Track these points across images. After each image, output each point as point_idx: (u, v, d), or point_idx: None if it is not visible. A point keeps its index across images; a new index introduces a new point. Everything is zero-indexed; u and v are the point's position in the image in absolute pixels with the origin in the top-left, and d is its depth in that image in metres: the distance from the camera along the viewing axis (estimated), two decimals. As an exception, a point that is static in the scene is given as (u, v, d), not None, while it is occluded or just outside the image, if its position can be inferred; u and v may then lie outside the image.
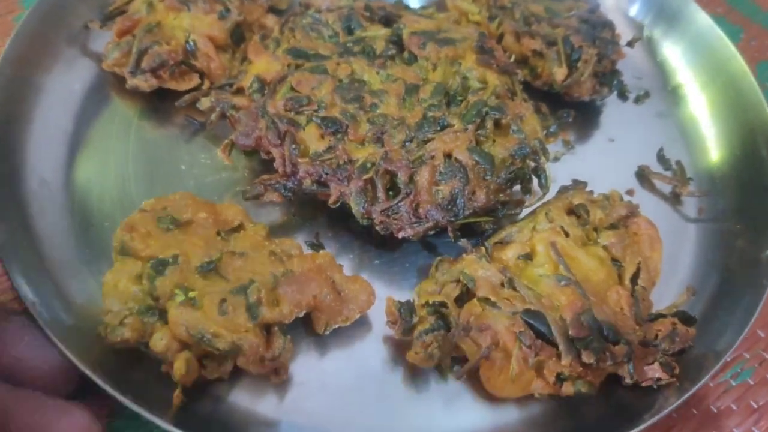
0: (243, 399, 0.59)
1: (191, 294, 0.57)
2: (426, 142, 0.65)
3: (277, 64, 0.71)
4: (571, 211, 0.67)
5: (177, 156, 0.72)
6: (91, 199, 0.68)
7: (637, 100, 0.84)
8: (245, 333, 0.56)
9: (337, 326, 0.60)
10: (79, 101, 0.74)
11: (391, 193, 0.64)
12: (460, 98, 0.69)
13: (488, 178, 0.64)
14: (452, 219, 0.63)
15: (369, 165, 0.64)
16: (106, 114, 0.74)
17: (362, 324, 0.63)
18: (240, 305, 0.57)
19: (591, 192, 0.69)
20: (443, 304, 0.59)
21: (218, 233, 0.61)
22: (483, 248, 0.63)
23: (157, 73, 0.72)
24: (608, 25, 0.81)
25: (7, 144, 0.68)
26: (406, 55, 0.72)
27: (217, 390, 0.59)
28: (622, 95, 0.83)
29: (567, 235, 0.64)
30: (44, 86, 0.73)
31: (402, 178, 0.63)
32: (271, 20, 0.79)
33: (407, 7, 0.80)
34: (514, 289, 0.59)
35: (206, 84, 0.74)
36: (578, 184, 0.70)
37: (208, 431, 0.56)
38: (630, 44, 0.84)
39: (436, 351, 0.58)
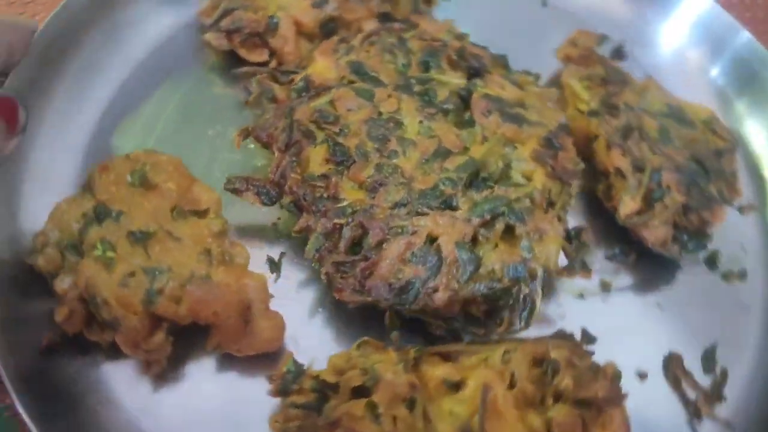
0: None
1: (109, 254, 0.56)
2: (419, 214, 0.58)
3: (334, 72, 0.67)
4: (539, 363, 0.56)
5: (212, 120, 0.72)
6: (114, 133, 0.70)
7: (726, 276, 0.68)
8: (132, 314, 0.54)
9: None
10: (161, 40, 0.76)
11: (356, 249, 0.58)
12: (489, 184, 0.60)
13: (461, 282, 0.55)
14: (398, 306, 0.56)
15: (349, 211, 0.58)
16: (173, 60, 0.75)
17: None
18: (142, 286, 0.55)
19: (585, 353, 0.58)
20: (333, 387, 0.53)
21: (173, 209, 0.60)
22: (411, 351, 0.55)
23: (230, 36, 0.72)
24: (726, 178, 0.66)
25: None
26: (467, 116, 0.65)
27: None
28: (712, 263, 0.68)
29: (512, 386, 0.53)
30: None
31: (370, 240, 0.57)
32: (370, 25, 0.75)
33: (506, 66, 0.71)
34: (411, 411, 0.51)
35: (273, 63, 0.73)
36: (565, 338, 0.58)
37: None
38: (742, 210, 0.68)
39: (294, 430, 0.52)
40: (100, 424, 0.55)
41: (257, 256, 0.62)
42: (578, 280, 0.63)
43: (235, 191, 0.62)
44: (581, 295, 0.65)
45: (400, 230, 0.57)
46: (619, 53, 0.82)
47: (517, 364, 0.55)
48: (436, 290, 0.55)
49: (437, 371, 0.54)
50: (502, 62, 0.71)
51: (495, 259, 0.57)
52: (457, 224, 0.57)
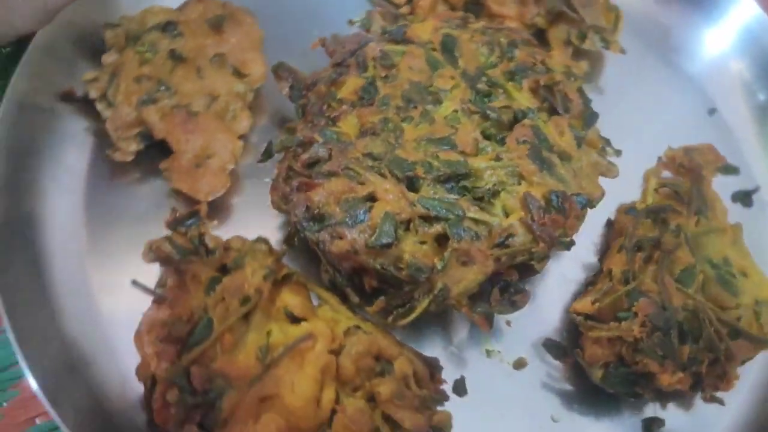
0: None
1: (148, 55, 0.65)
2: (380, 174, 0.58)
3: (429, 35, 0.67)
4: (377, 358, 0.54)
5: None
6: None
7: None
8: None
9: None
10: None
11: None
12: (464, 193, 0.58)
13: (366, 246, 0.55)
14: (302, 231, 0.58)
15: (332, 137, 0.60)
16: None
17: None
18: (151, 90, 0.63)
19: (433, 387, 0.54)
20: (208, 250, 0.56)
21: (216, 55, 0.67)
22: (285, 269, 0.56)
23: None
24: (721, 371, 0.56)
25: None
26: (504, 134, 0.62)
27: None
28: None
29: (336, 353, 0.53)
30: None
31: (325, 167, 0.58)
32: (510, 23, 0.74)
33: (589, 123, 0.66)
34: (240, 306, 0.53)
35: (405, 9, 0.76)
36: (427, 361, 0.55)
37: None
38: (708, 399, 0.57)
39: (156, 256, 0.56)
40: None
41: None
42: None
43: (277, 74, 0.68)
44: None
45: (353, 174, 0.58)
46: (744, 197, 0.72)
47: (355, 342, 0.54)
48: (340, 237, 0.56)
49: (289, 298, 0.55)
50: (588, 118, 0.67)
51: (411, 249, 0.56)
52: (401, 201, 0.57)
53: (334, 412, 0.52)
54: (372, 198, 0.57)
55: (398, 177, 0.58)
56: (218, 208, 0.65)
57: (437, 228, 0.56)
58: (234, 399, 0.50)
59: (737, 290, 0.59)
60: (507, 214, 0.58)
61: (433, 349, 0.61)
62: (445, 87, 0.64)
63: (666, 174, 0.69)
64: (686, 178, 0.66)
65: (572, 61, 0.72)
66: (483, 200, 0.59)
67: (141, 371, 0.53)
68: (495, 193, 0.59)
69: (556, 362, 0.61)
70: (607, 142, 0.67)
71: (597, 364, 0.57)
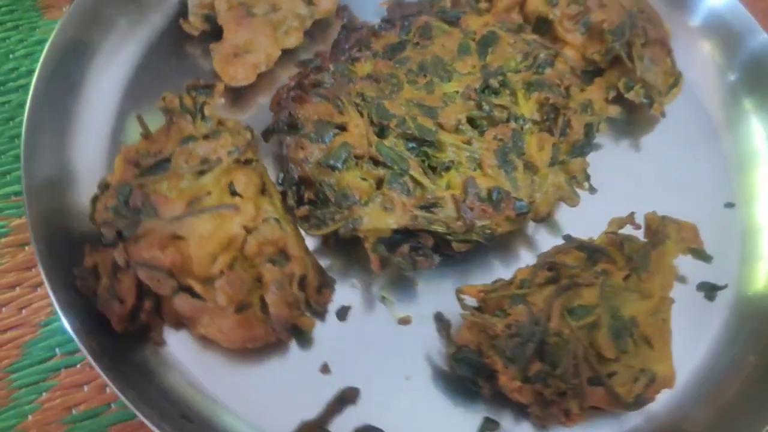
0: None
1: None
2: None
3: (478, 25, 0.74)
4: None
5: None
6: None
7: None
8: None
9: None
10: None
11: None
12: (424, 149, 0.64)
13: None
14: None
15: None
16: None
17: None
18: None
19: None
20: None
21: None
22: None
23: None
24: None
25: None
26: (484, 126, 0.67)
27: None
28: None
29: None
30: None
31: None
32: (567, 52, 0.78)
33: (580, 153, 0.69)
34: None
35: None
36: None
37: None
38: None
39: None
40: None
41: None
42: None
43: (338, 12, 0.77)
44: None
45: (339, 104, 0.66)
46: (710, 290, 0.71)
47: (268, 229, 0.62)
48: (302, 147, 0.64)
49: (240, 176, 0.65)
50: (578, 148, 0.69)
51: (350, 180, 0.63)
52: (363, 139, 0.64)
53: (222, 273, 0.61)
54: (342, 127, 0.65)
55: (372, 121, 0.65)
56: (238, 98, 0.75)
57: (380, 172, 0.63)
58: (153, 225, 0.60)
59: (627, 349, 0.59)
60: (447, 189, 0.63)
61: (345, 274, 0.67)
62: (461, 71, 0.70)
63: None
64: (646, 239, 0.67)
65: (604, 101, 0.74)
66: (435, 170, 0.64)
67: (105, 179, 0.64)
68: (447, 168, 0.64)
69: (435, 334, 0.64)
70: (587, 176, 0.69)
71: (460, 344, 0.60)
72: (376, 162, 0.63)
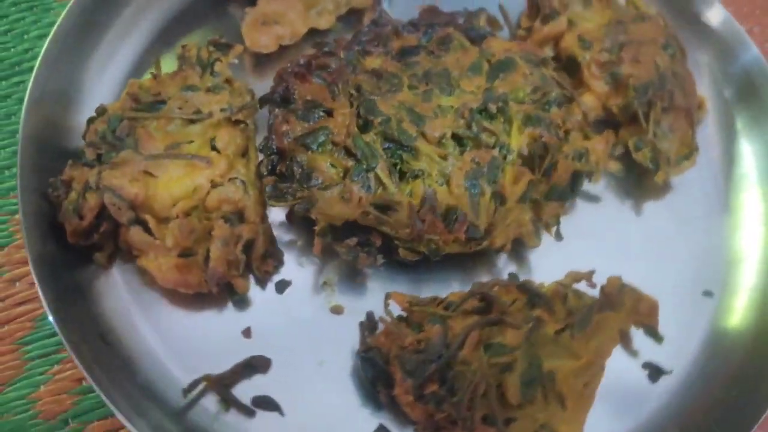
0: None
1: None
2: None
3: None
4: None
5: None
6: None
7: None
8: None
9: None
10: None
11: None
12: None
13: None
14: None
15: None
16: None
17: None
18: None
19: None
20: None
21: None
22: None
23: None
24: None
25: None
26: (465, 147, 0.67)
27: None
28: None
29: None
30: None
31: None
32: (587, 100, 0.77)
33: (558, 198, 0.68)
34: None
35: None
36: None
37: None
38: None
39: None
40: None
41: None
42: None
43: (373, 5, 0.79)
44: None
45: (334, 91, 0.68)
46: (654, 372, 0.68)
47: (231, 189, 0.64)
48: (287, 122, 0.66)
49: (224, 134, 0.68)
50: (557, 193, 0.68)
51: (319, 163, 0.64)
52: (343, 130, 0.65)
53: (177, 217, 0.64)
54: (329, 112, 0.67)
55: (359, 114, 0.66)
56: (260, 65, 0.78)
57: (349, 163, 0.64)
58: (130, 156, 0.64)
59: (534, 401, 0.59)
60: (409, 196, 0.64)
61: (301, 252, 0.69)
62: (465, 88, 0.70)
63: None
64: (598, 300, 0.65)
65: (605, 153, 0.72)
66: (404, 176, 0.65)
67: (103, 106, 0.69)
68: (416, 176, 0.65)
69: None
70: (557, 222, 0.68)
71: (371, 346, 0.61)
72: (349, 153, 0.65)
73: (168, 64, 0.74)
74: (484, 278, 0.71)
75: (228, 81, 0.72)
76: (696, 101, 0.78)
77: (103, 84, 0.73)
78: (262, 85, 0.74)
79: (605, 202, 0.77)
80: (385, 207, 0.63)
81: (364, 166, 0.64)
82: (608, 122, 0.77)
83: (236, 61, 0.75)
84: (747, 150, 0.81)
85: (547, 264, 0.71)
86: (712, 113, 0.82)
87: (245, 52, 0.76)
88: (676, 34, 0.81)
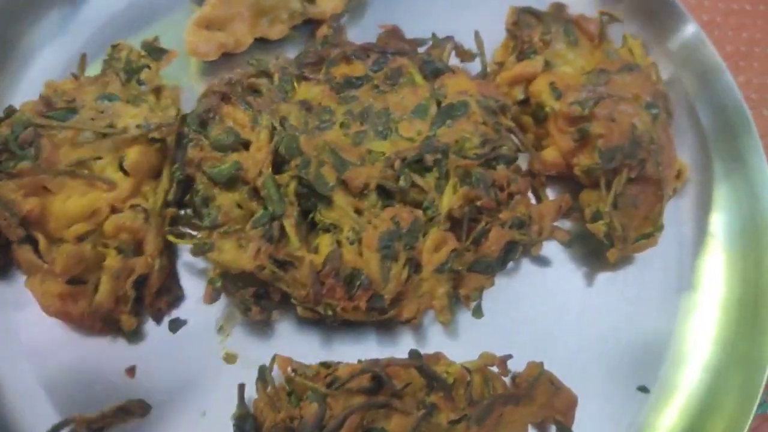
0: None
1: None
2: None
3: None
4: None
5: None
6: None
7: None
8: None
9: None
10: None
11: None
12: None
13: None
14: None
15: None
16: None
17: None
18: None
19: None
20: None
21: None
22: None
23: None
24: None
25: None
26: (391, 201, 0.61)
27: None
28: None
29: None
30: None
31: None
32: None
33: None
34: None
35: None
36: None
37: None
38: None
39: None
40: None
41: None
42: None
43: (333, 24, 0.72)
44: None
45: (258, 119, 0.62)
46: None
47: (130, 216, 0.60)
48: (200, 148, 0.61)
49: (135, 154, 0.63)
50: (481, 267, 0.62)
51: (224, 199, 0.59)
52: (254, 167, 0.60)
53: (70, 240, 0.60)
54: (246, 145, 0.61)
55: (278, 150, 0.60)
56: (210, 69, 0.73)
57: (255, 206, 0.59)
58: (30, 168, 0.59)
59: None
60: (315, 252, 0.59)
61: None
62: (403, 133, 0.63)
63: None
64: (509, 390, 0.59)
65: (552, 222, 0.65)
66: (314, 227, 0.60)
67: (12, 106, 0.64)
68: (327, 230, 0.59)
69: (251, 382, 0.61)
70: (479, 296, 0.62)
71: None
72: (257, 194, 0.59)
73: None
74: (405, 338, 0.65)
75: (157, 90, 0.67)
76: (673, 172, 0.69)
77: (23, 82, 0.69)
78: (197, 92, 0.69)
79: (554, 266, 0.70)
80: (284, 262, 0.57)
81: (270, 213, 0.58)
82: (569, 180, 0.70)
83: (168, 66, 0.69)
84: (720, 225, 0.72)
85: (465, 338, 0.65)
86: (693, 184, 0.74)
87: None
88: (667, 91, 0.72)
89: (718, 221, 0.72)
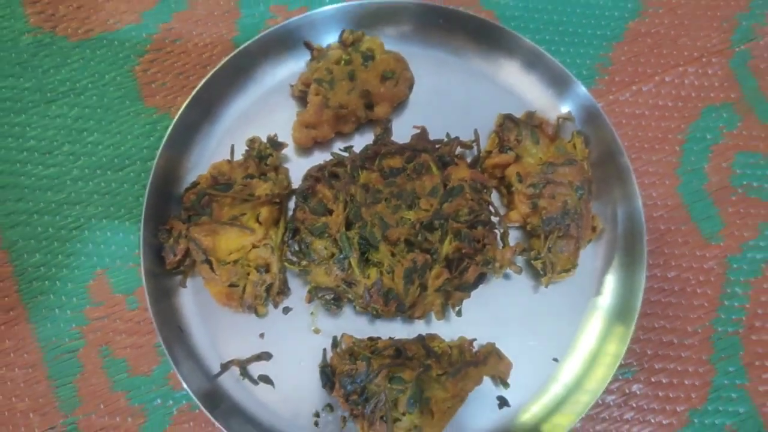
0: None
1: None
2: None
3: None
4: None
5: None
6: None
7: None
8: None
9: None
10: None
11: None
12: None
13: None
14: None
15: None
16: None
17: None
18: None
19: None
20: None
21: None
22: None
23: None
24: None
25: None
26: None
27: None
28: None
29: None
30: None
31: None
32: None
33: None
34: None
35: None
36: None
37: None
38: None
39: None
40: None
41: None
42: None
43: (382, 125, 1.15)
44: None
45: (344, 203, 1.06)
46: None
47: (255, 257, 1.06)
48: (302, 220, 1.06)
49: (266, 212, 1.08)
50: (464, 288, 1.06)
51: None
52: (338, 234, 1.04)
53: (228, 263, 1.06)
54: (330, 211, 1.05)
55: (348, 216, 1.05)
56: (300, 152, 1.17)
57: (335, 250, 1.04)
58: (206, 221, 1.05)
59: (413, 413, 1.01)
60: (367, 277, 1.04)
61: (304, 289, 1.11)
62: (422, 206, 1.06)
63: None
64: (473, 358, 1.05)
65: (509, 260, 1.09)
66: (368, 262, 1.04)
67: (197, 180, 1.09)
68: (375, 265, 1.04)
69: (328, 346, 1.08)
70: (459, 304, 1.07)
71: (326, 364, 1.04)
72: (336, 243, 1.04)
73: (239, 146, 1.14)
74: (416, 326, 1.11)
75: (276, 169, 1.11)
76: (588, 231, 1.11)
77: (196, 164, 1.14)
78: (299, 166, 1.13)
79: (510, 283, 1.13)
80: (350, 282, 1.03)
81: (343, 255, 1.03)
82: (525, 232, 1.13)
83: (285, 153, 1.13)
84: (609, 280, 1.14)
85: (447, 329, 1.10)
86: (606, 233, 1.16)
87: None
88: (592, 177, 1.13)
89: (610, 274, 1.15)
